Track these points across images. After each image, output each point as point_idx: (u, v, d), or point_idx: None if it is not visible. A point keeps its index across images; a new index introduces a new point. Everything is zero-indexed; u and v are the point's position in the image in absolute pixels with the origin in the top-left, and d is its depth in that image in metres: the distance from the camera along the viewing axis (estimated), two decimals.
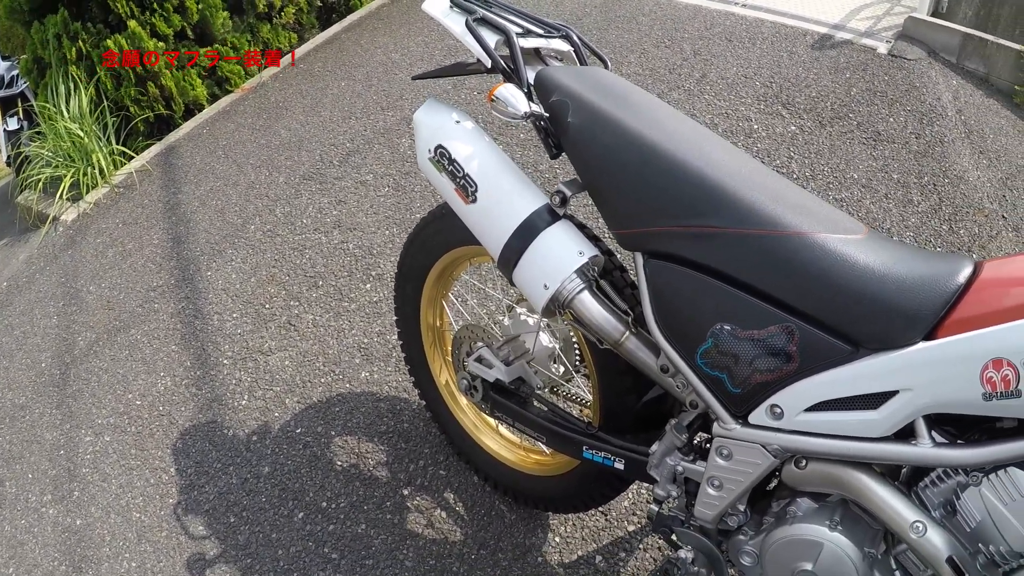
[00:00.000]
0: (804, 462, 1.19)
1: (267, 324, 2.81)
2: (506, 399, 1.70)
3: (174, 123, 4.38)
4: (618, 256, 1.52)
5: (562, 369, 1.78)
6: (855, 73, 3.46)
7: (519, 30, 1.50)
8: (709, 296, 1.19)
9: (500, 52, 1.46)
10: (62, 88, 4.15)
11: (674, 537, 1.43)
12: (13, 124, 5.04)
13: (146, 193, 3.86)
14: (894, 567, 1.18)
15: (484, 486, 2.12)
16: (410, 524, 2.07)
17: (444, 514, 2.08)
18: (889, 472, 1.17)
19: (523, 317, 1.75)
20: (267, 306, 2.90)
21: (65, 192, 3.95)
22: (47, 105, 4.19)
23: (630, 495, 2.03)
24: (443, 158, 1.48)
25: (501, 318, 1.81)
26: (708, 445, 1.32)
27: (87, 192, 3.99)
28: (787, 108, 3.28)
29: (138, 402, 2.67)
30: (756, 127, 3.20)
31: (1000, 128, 3.22)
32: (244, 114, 4.29)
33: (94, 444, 2.57)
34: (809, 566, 1.20)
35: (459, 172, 1.45)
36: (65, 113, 4.08)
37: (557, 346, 1.74)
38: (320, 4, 5.15)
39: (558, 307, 1.38)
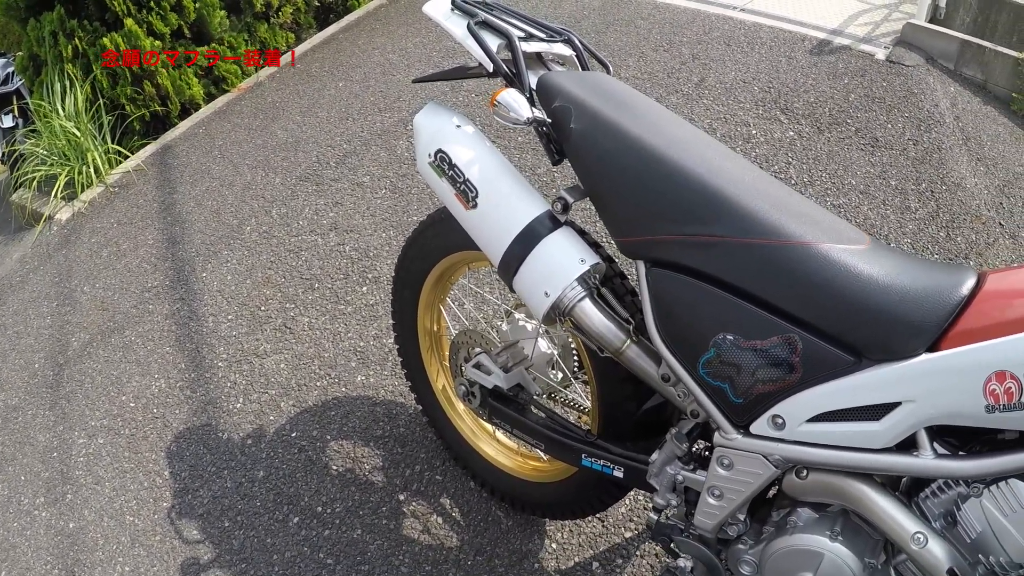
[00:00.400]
0: (805, 472, 1.19)
1: (262, 326, 2.80)
2: (504, 406, 1.70)
3: (170, 122, 4.36)
4: (618, 262, 1.51)
5: (560, 375, 1.77)
6: (853, 79, 3.46)
7: (521, 34, 1.49)
8: (712, 305, 1.19)
9: (502, 56, 1.46)
10: (58, 86, 4.13)
11: (673, 546, 1.43)
12: (8, 122, 5.02)
13: (141, 193, 3.84)
14: None
15: (481, 492, 2.11)
16: (406, 530, 2.06)
17: (440, 520, 2.07)
18: (888, 482, 1.17)
19: (521, 322, 1.74)
20: (262, 308, 2.88)
21: (60, 191, 3.92)
22: (42, 103, 4.17)
23: (628, 501, 2.02)
24: (443, 163, 1.47)
25: (499, 323, 1.80)
26: (708, 454, 1.32)
27: (82, 191, 3.97)
28: (785, 113, 3.28)
29: (132, 404, 2.65)
30: (754, 132, 3.20)
31: (997, 135, 3.23)
32: (241, 114, 4.27)
33: (87, 446, 2.56)
34: None
35: (459, 177, 1.45)
36: (61, 111, 4.05)
37: (556, 352, 1.73)
38: (318, 4, 5.13)
39: (559, 315, 1.37)
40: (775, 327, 1.14)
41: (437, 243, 1.77)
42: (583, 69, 1.56)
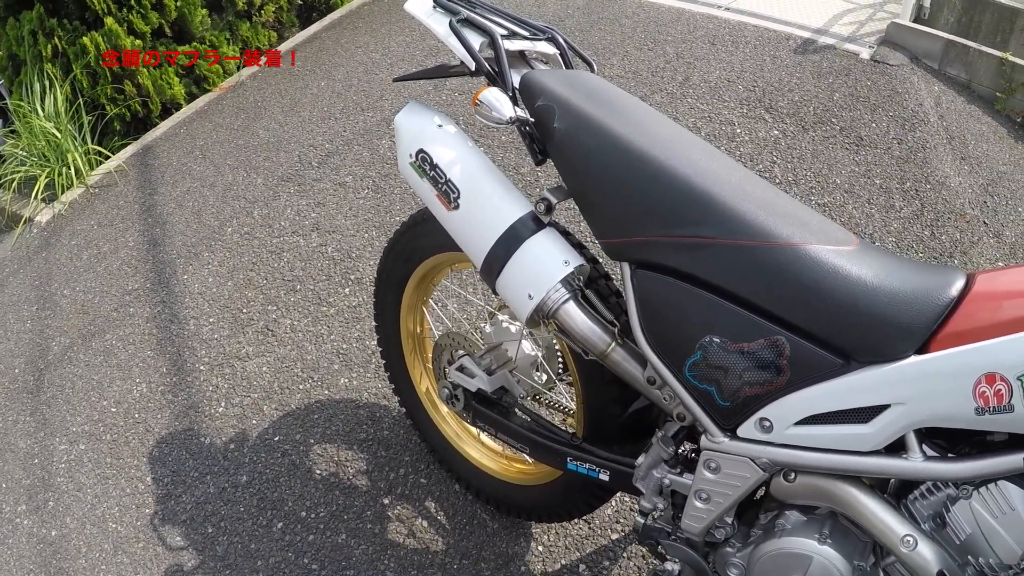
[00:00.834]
0: (793, 475, 1.18)
1: (244, 329, 2.77)
2: (488, 409, 1.68)
3: (151, 122, 4.31)
4: (602, 263, 1.50)
5: (544, 377, 1.76)
6: (838, 78, 3.46)
7: (504, 32, 1.47)
8: (698, 308, 1.17)
9: (484, 54, 1.43)
10: (37, 86, 4.07)
11: (660, 549, 1.42)
12: None
13: (122, 194, 3.79)
14: None
15: (466, 495, 2.09)
16: (391, 534, 2.04)
17: (425, 523, 2.05)
18: (877, 484, 1.16)
19: (505, 324, 1.72)
20: (244, 310, 2.85)
21: (40, 192, 3.87)
22: (22, 103, 4.11)
23: (614, 503, 2.01)
24: (425, 163, 1.45)
25: (483, 325, 1.78)
26: (695, 457, 1.30)
27: (62, 192, 3.91)
28: (770, 112, 3.28)
29: (113, 409, 2.61)
30: (739, 131, 3.20)
31: (981, 134, 3.24)
32: (222, 114, 4.23)
33: (68, 452, 2.52)
34: None
35: (441, 178, 1.42)
36: (40, 112, 4.00)
37: (540, 354, 1.71)
38: (300, 2, 5.10)
39: (543, 317, 1.35)
40: (762, 329, 1.12)
41: (420, 244, 1.75)
42: (567, 68, 1.54)
